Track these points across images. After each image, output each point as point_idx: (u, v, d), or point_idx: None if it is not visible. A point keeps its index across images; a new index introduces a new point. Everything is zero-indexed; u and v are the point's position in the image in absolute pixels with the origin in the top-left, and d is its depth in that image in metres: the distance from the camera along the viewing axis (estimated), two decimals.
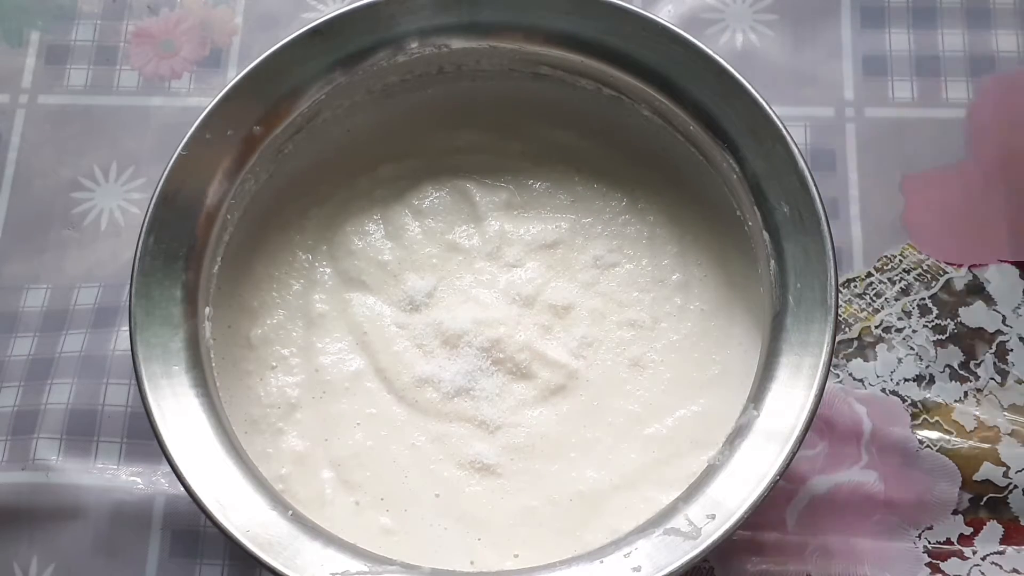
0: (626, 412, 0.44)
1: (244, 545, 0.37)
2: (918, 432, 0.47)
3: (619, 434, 0.44)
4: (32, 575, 0.47)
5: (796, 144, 0.42)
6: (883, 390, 0.48)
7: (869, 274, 0.51)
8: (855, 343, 0.49)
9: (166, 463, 0.39)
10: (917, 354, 0.49)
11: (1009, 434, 0.47)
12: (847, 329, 0.50)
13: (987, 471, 0.47)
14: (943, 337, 0.49)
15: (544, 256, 0.47)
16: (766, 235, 0.42)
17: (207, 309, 0.43)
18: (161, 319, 0.41)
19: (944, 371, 0.49)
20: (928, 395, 0.48)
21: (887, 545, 0.46)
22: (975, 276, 0.50)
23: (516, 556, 0.42)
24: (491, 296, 0.46)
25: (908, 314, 0.50)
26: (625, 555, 0.37)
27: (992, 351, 0.49)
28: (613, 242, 0.47)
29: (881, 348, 0.49)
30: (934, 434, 0.47)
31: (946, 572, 0.46)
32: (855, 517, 0.46)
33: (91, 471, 0.48)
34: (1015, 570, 0.45)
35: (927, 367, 0.49)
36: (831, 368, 0.41)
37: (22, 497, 0.47)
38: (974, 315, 0.50)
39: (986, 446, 0.47)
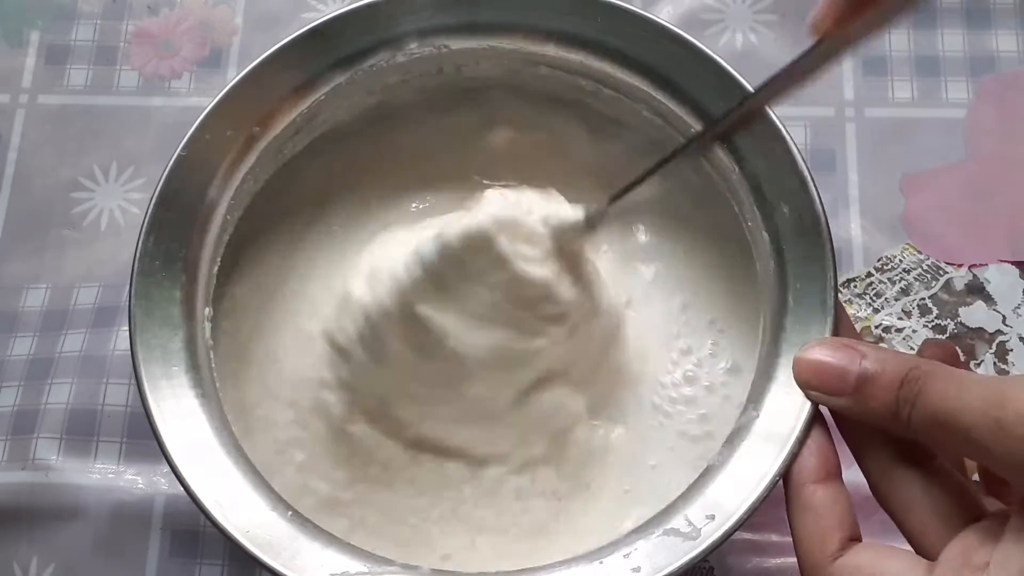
0: (627, 415, 0.44)
1: (244, 545, 0.37)
2: None
3: (619, 436, 0.44)
4: (32, 575, 0.47)
5: (796, 144, 0.42)
6: None
7: (869, 274, 0.51)
8: None
9: (166, 463, 0.39)
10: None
11: None
12: None
13: None
14: (943, 337, 0.49)
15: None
16: (766, 235, 0.42)
17: (207, 310, 0.43)
18: (161, 320, 0.41)
19: None
20: None
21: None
22: (975, 276, 0.50)
23: (515, 556, 0.42)
24: (490, 303, 0.46)
25: (908, 314, 0.50)
26: (625, 555, 0.37)
27: (992, 351, 0.49)
28: (614, 245, 0.47)
29: None
30: None
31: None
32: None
33: (91, 471, 0.48)
34: None
35: None
36: None
37: (22, 497, 0.47)
38: (974, 315, 0.50)
39: None
